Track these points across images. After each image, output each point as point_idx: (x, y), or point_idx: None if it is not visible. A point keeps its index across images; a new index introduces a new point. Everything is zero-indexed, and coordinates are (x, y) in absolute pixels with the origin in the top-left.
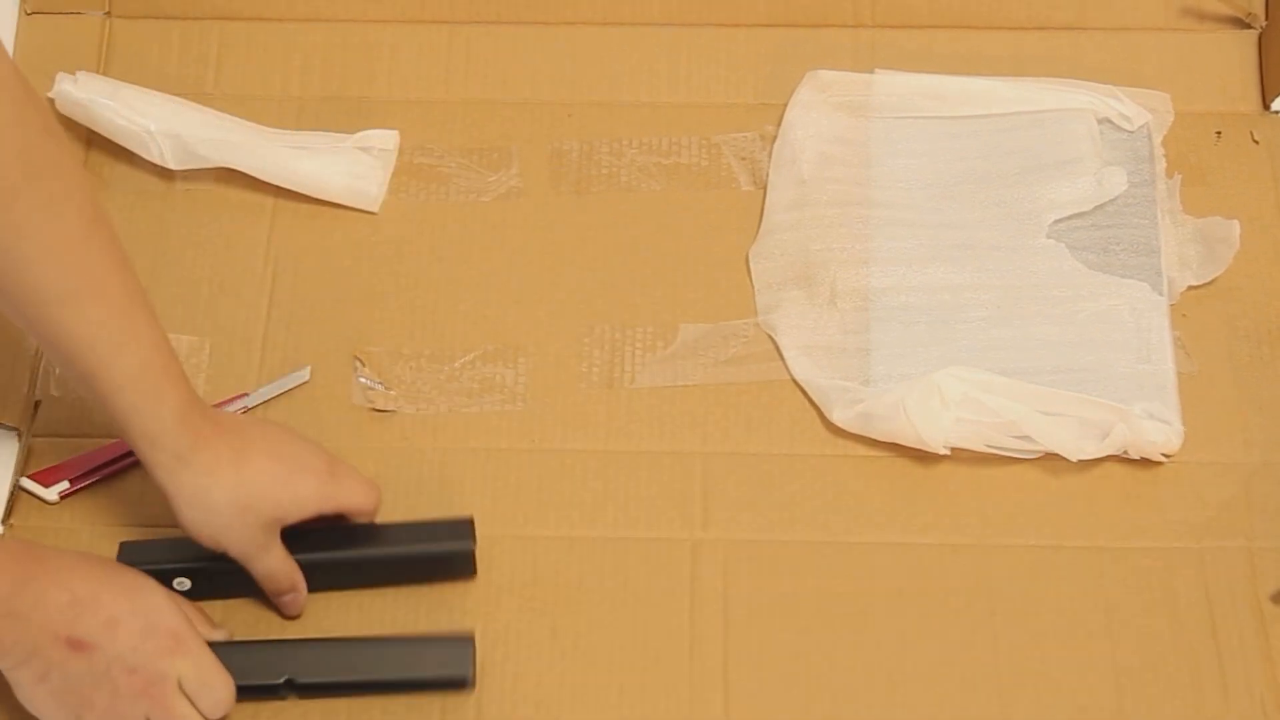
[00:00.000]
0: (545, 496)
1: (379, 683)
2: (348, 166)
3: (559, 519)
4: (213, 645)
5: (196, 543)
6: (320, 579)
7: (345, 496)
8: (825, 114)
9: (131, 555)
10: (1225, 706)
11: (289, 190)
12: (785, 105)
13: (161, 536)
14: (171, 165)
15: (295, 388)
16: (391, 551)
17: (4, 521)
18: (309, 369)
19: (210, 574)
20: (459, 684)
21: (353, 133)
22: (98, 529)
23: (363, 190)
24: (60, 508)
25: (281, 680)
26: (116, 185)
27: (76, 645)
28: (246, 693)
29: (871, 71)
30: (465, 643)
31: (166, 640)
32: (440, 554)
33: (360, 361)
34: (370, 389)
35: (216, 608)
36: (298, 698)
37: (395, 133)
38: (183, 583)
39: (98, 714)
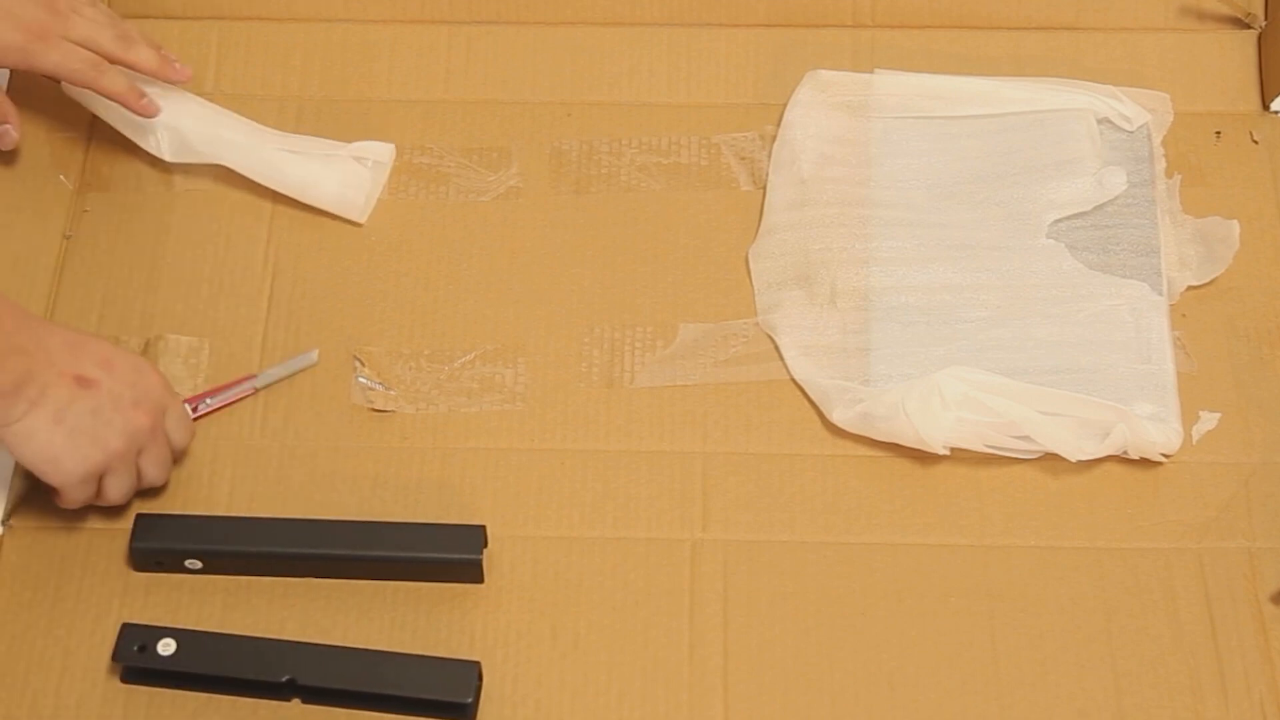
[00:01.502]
0: (545, 496)
1: (381, 696)
2: (339, 176)
3: (559, 519)
4: (219, 639)
5: (211, 523)
6: (328, 571)
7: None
8: (825, 114)
9: (146, 530)
10: (1225, 707)
11: None
12: (785, 105)
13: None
14: (167, 157)
15: (303, 370)
16: (400, 555)
17: (4, 522)
18: (317, 352)
19: (222, 555)
20: (460, 710)
21: (351, 138)
22: (98, 529)
23: (351, 201)
24: (60, 508)
25: (284, 679)
26: (116, 185)
27: (82, 382)
28: (249, 689)
29: (871, 71)
30: (470, 669)
31: (155, 377)
32: (448, 561)
33: (360, 361)
34: (370, 389)
35: (225, 599)
36: (301, 701)
37: (391, 146)
38: (194, 563)
39: (108, 452)
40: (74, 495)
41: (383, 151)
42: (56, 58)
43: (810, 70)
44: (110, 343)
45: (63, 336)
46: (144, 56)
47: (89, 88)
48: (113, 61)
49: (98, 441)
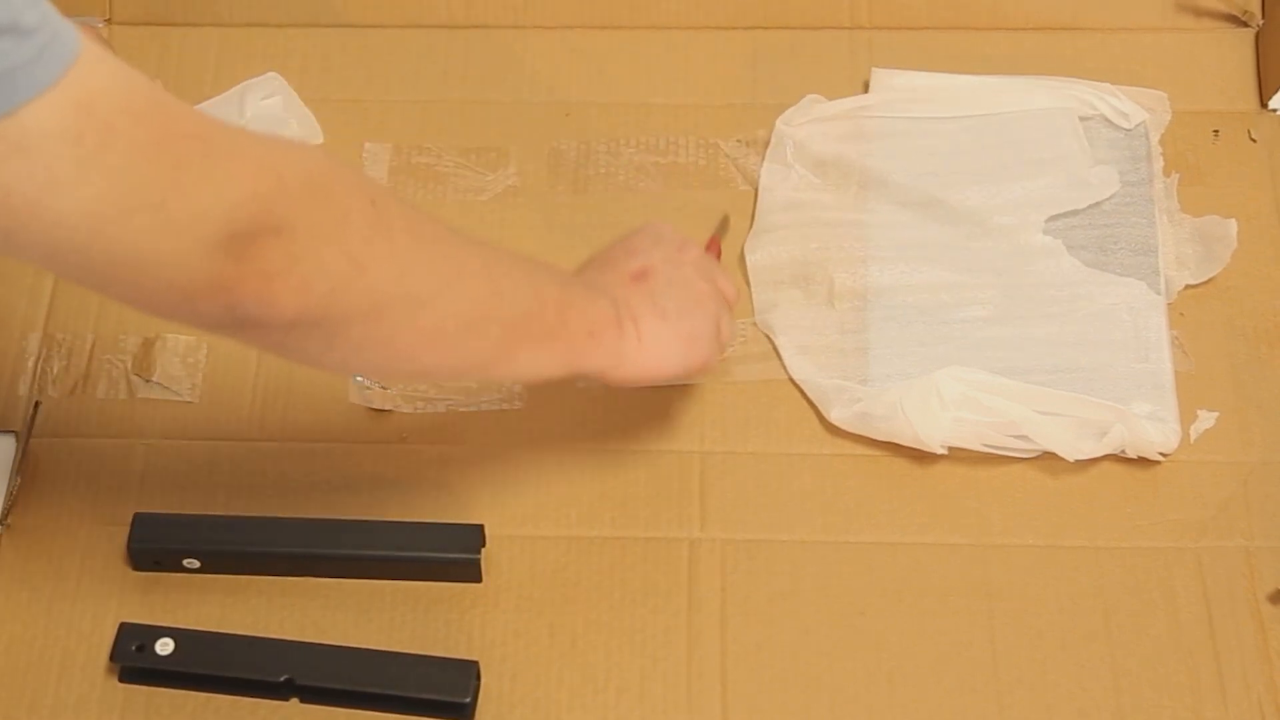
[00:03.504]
0: (543, 496)
1: (379, 696)
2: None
3: (557, 518)
4: (217, 638)
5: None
6: (326, 570)
7: None
8: (821, 113)
9: (144, 529)
10: (1223, 706)
11: None
12: (782, 105)
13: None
14: None
15: None
16: (398, 554)
17: (2, 521)
18: None
19: (220, 555)
20: (459, 710)
21: (350, 139)
22: (96, 529)
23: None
24: (59, 507)
25: (282, 679)
26: None
27: (640, 275)
28: (247, 688)
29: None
30: (468, 668)
31: (663, 227)
32: (446, 560)
33: None
34: (367, 388)
35: (223, 599)
36: (299, 700)
37: (274, 74)
38: (192, 562)
39: (705, 298)
40: (717, 354)
41: (271, 83)
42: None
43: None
44: (617, 242)
45: (588, 266)
46: None
47: None
48: None
49: (695, 301)
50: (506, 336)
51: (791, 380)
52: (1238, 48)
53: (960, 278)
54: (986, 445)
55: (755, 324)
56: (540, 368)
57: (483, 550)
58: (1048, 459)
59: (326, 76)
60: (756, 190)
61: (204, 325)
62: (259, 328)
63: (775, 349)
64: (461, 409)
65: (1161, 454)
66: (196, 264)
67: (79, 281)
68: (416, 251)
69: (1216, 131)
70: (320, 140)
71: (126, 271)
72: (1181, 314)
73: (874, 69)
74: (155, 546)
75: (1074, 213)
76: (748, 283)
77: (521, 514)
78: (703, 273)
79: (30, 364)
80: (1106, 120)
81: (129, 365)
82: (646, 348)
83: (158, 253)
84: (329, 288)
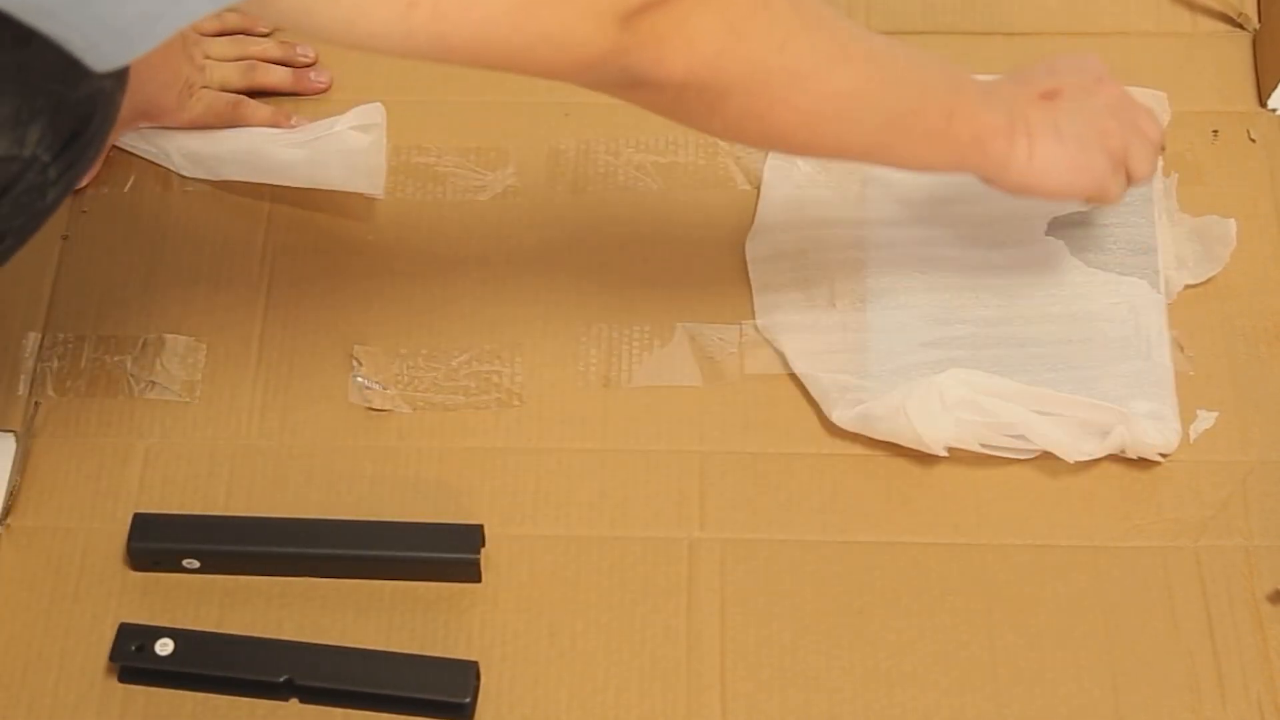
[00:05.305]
0: (542, 495)
1: (378, 696)
2: (341, 154)
3: (556, 518)
4: (216, 638)
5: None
6: (325, 570)
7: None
8: None
9: (143, 529)
10: (1222, 705)
11: (285, 189)
12: None
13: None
14: (185, 173)
15: None
16: (397, 554)
17: (1, 522)
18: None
19: (219, 555)
20: (458, 710)
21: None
22: (96, 529)
23: (360, 174)
24: (59, 507)
25: (282, 679)
26: (113, 184)
27: (1048, 95)
28: (246, 688)
29: None
30: (468, 668)
31: (1102, 74)
32: (446, 560)
33: (357, 360)
34: (367, 388)
35: (223, 599)
36: (299, 701)
37: (379, 104)
38: (191, 562)
39: (1111, 134)
40: (1115, 190)
41: (373, 112)
42: (200, 109)
43: None
44: (1043, 60)
45: (1005, 76)
46: (276, 78)
47: (235, 125)
48: (249, 93)
49: (1096, 134)
50: (885, 129)
51: (792, 380)
52: (1236, 48)
53: (961, 278)
54: (986, 446)
55: (756, 324)
56: (920, 162)
57: (482, 550)
58: (1047, 459)
59: None
60: (758, 189)
61: (605, 87)
62: (652, 88)
63: (776, 349)
64: (461, 408)
65: (1161, 454)
66: (598, 36)
67: (494, 67)
68: (798, 27)
69: (1216, 131)
70: (380, 195)
71: (541, 51)
72: (1181, 314)
73: None
74: (155, 547)
75: (1074, 213)
76: (748, 283)
77: (521, 514)
78: (1114, 110)
79: (30, 364)
80: None
81: (129, 365)
82: (1035, 163)
83: (564, 32)
84: (713, 51)
